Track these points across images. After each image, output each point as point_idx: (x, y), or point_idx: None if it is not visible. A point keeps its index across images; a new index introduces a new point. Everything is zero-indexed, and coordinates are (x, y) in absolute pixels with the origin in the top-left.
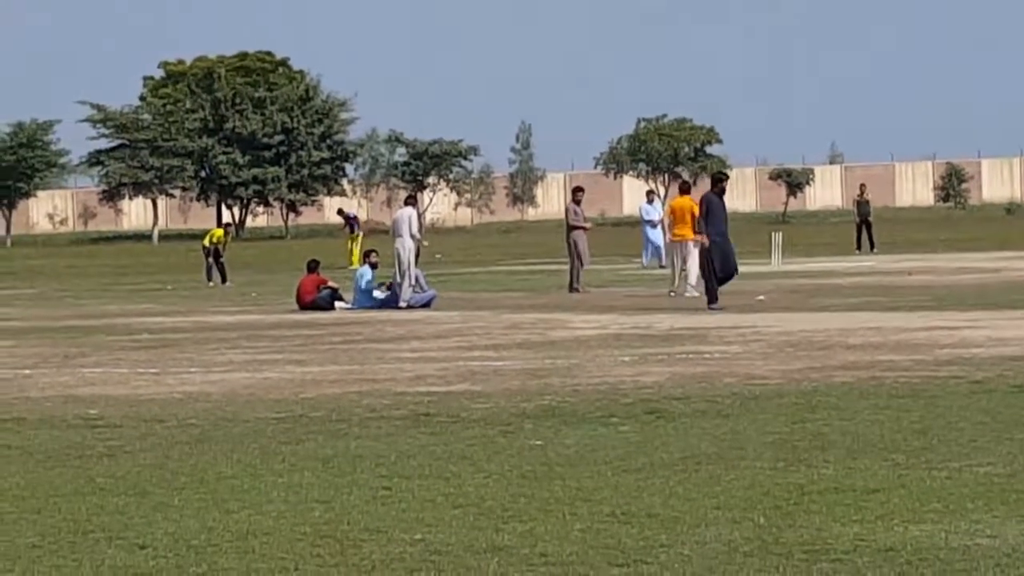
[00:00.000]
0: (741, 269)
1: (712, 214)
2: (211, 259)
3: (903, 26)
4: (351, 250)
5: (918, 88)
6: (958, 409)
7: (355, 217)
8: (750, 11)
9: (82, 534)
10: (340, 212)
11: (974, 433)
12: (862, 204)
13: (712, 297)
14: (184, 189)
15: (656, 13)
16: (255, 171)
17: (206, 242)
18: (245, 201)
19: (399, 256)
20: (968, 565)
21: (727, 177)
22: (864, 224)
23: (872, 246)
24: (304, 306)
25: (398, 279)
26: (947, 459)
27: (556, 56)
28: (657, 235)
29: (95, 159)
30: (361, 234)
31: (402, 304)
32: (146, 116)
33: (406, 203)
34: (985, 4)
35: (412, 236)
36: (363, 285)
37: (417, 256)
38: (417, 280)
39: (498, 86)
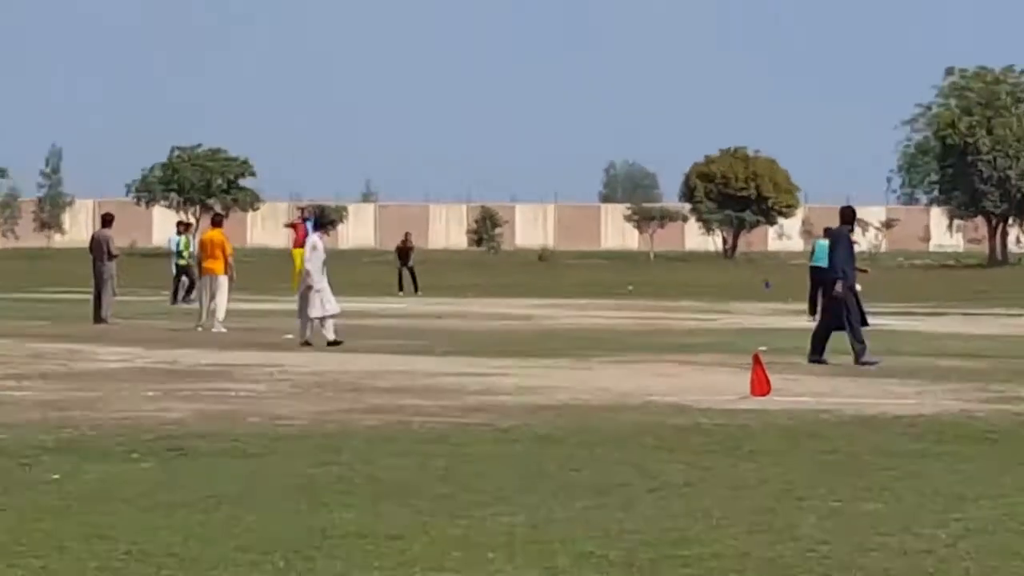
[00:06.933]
0: (262, 307)
1: (854, 258)
2: None
3: (454, 67)
4: None
5: (455, 130)
6: (483, 457)
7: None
8: (287, 42)
9: None
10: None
11: (499, 482)
12: (403, 251)
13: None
14: None
15: (190, 37)
16: None
17: None
18: None
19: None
20: None
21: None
22: (407, 268)
23: (416, 288)
24: None
25: None
26: (470, 508)
27: (87, 82)
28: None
29: None
30: None
31: None
32: None
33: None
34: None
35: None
36: None
37: None
38: None
39: (28, 107)
